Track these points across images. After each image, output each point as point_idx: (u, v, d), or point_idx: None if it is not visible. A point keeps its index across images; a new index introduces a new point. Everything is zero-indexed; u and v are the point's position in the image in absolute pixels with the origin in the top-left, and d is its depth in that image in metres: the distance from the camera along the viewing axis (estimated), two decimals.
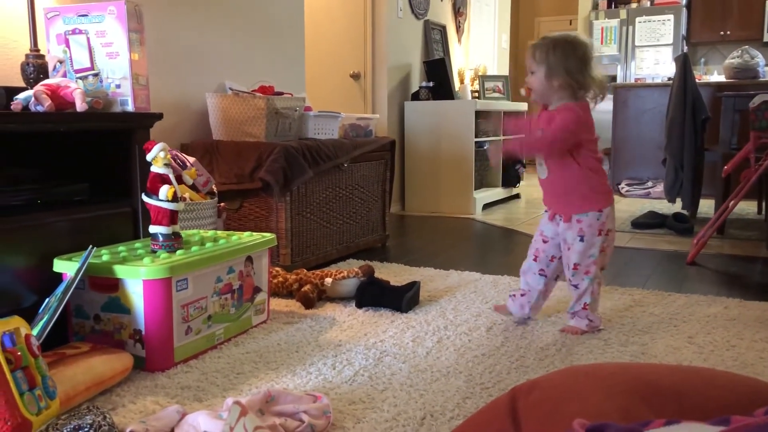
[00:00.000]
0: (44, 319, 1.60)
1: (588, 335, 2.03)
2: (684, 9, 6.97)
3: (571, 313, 2.07)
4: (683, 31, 7.00)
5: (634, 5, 7.16)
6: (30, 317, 1.64)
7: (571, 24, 9.46)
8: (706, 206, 4.62)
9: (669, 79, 6.28)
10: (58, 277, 1.79)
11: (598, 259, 2.03)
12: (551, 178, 2.05)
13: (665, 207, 4.75)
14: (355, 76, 4.92)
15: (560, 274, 2.14)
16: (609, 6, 7.25)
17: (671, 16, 6.92)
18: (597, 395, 0.98)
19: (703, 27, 7.19)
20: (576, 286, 2.06)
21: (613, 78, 7.15)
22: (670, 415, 0.87)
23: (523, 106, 6.74)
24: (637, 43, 7.09)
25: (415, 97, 5.06)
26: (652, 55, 7.07)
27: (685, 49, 7.08)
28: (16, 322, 1.35)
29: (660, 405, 0.93)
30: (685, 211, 4.17)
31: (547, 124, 1.99)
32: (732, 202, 3.20)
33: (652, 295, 2.48)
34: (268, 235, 2.17)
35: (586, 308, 2.04)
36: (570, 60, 1.93)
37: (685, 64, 3.99)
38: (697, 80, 4.17)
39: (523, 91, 2.09)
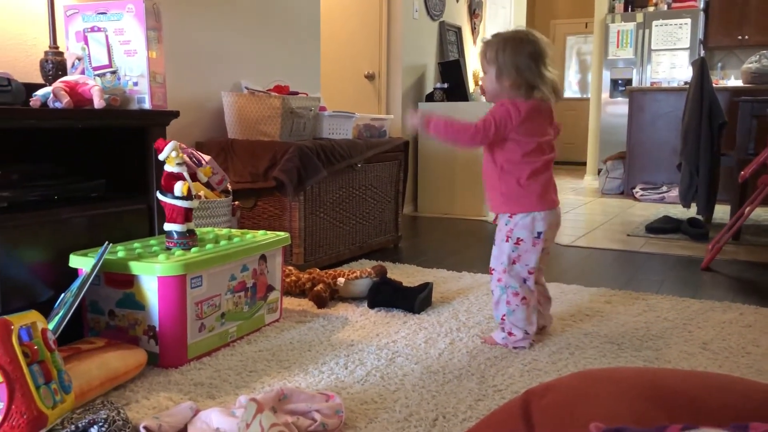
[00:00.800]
0: (60, 314, 1.61)
1: (602, 340, 2.02)
2: (701, 13, 6.92)
3: (498, 323, 1.98)
4: (700, 35, 6.95)
5: (651, 9, 7.12)
6: (46, 312, 1.65)
7: (587, 27, 9.43)
8: (722, 212, 4.58)
9: (685, 83, 6.24)
10: (74, 273, 1.80)
11: (509, 268, 1.91)
12: (482, 172, 2.00)
13: (680, 212, 4.72)
14: (370, 77, 4.92)
15: (537, 280, 2.02)
16: (626, 9, 7.21)
17: (688, 20, 6.88)
18: (611, 399, 0.98)
19: (721, 31, 7.14)
20: (492, 292, 1.98)
21: (629, 82, 7.11)
22: (685, 420, 0.87)
23: None
24: (653, 47, 7.05)
25: (430, 98, 5.05)
26: (669, 59, 7.03)
27: (702, 53, 7.03)
28: (33, 316, 1.36)
29: (675, 410, 0.93)
30: (700, 216, 4.14)
31: None
32: (748, 208, 3.17)
33: (666, 301, 2.46)
34: (282, 234, 2.17)
35: (504, 319, 1.93)
36: (520, 57, 1.84)
37: (702, 69, 3.97)
38: (714, 85, 4.14)
39: (479, 92, 2.05)
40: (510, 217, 1.93)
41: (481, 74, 1.97)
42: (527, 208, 1.90)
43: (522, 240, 1.91)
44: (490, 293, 2.05)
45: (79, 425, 1.28)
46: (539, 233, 1.91)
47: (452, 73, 5.08)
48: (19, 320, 1.30)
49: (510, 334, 1.94)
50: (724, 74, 7.37)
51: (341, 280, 2.40)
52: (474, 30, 6.08)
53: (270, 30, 3.41)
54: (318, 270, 2.54)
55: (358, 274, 2.42)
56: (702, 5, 7.00)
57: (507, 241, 1.93)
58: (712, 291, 2.66)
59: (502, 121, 1.85)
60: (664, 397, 0.96)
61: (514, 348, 1.93)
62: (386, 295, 2.33)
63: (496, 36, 1.93)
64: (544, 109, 1.91)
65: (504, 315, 1.94)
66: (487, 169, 1.96)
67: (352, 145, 3.08)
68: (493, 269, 1.97)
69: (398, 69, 4.87)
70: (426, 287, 2.37)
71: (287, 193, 2.73)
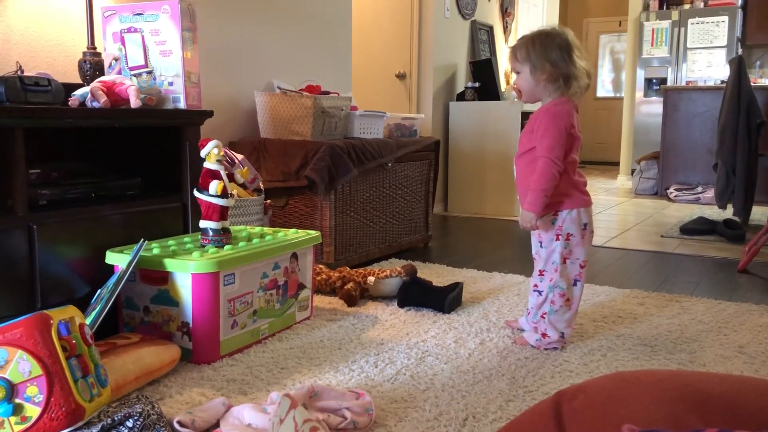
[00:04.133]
0: (97, 310, 1.65)
1: (635, 342, 1.99)
2: (739, 10, 6.78)
3: (530, 322, 1.97)
4: (738, 33, 6.81)
5: (686, 6, 7.00)
6: (83, 307, 1.69)
7: (620, 25, 9.31)
8: (759, 213, 4.49)
9: (722, 82, 6.13)
10: (110, 269, 1.84)
11: (560, 267, 1.91)
12: (517, 179, 1.98)
13: (715, 213, 4.64)
14: (401, 76, 4.92)
15: None
16: (660, 7, 7.09)
17: (726, 18, 6.74)
18: (645, 402, 0.97)
19: (759, 29, 6.98)
20: (540, 292, 1.96)
21: (663, 81, 7.00)
22: (721, 424, 0.85)
23: None
24: (689, 45, 6.93)
25: (461, 97, 5.04)
26: (705, 58, 6.90)
27: (740, 51, 6.89)
28: (71, 311, 1.39)
29: (711, 414, 0.91)
30: (736, 218, 4.06)
31: (530, 124, 1.92)
32: None
33: (701, 303, 2.42)
34: (313, 233, 2.19)
35: (543, 317, 1.93)
36: (551, 51, 1.85)
37: (740, 67, 3.89)
38: (752, 83, 4.05)
39: (514, 95, 2.02)
40: (555, 215, 1.91)
41: (514, 77, 1.96)
42: (577, 204, 1.90)
43: (572, 235, 1.91)
44: (523, 294, 2.03)
45: (115, 418, 1.30)
46: (585, 224, 1.92)
47: (484, 72, 5.06)
48: (58, 315, 1.33)
49: (544, 335, 1.93)
50: (763, 73, 7.21)
51: (371, 279, 2.41)
52: (506, 29, 6.04)
53: (302, 30, 3.43)
54: (348, 269, 2.55)
55: (388, 273, 2.42)
56: (740, 2, 6.85)
57: (557, 239, 1.91)
58: (748, 294, 2.61)
59: (562, 133, 1.84)
60: (699, 401, 0.95)
61: (546, 349, 1.92)
62: (416, 295, 2.33)
63: (522, 38, 1.94)
64: (575, 108, 1.92)
65: (545, 313, 1.93)
66: (526, 175, 1.92)
67: (383, 145, 3.09)
68: (544, 270, 1.94)
69: (429, 68, 4.86)
70: (456, 287, 2.37)
71: (318, 192, 2.75)
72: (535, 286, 1.97)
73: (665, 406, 0.94)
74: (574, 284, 1.94)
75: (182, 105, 2.09)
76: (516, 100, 2.00)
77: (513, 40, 6.16)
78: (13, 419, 1.24)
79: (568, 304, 1.94)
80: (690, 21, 6.93)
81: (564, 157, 1.87)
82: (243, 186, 2.46)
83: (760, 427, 0.82)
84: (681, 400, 0.96)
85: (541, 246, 1.95)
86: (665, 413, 0.93)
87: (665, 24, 7.03)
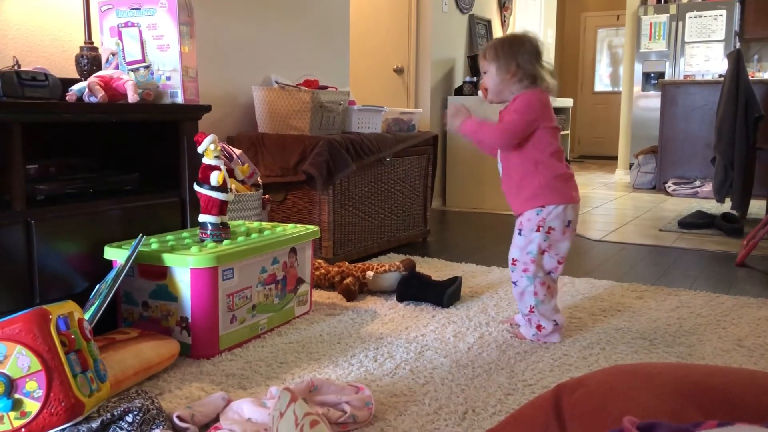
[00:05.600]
0: (96, 305, 1.65)
1: (633, 336, 2.00)
2: (737, 4, 6.77)
3: (523, 317, 1.98)
4: (736, 27, 6.80)
5: (684, 0, 6.99)
6: (82, 302, 1.69)
7: (618, 19, 9.29)
8: (757, 207, 4.50)
9: (720, 76, 6.12)
10: (109, 264, 1.84)
11: (537, 258, 1.92)
12: (504, 175, 2.00)
13: (713, 207, 4.64)
14: (399, 71, 4.92)
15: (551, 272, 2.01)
16: (658, 1, 7.08)
17: (723, 12, 6.73)
18: (645, 395, 0.97)
19: (757, 22, 6.98)
20: (515, 283, 1.97)
21: (661, 75, 7.00)
22: (720, 417, 0.85)
23: (569, 102, 6.65)
24: (686, 39, 6.92)
25: (459, 91, 5.03)
26: (703, 52, 6.89)
27: (738, 45, 6.89)
28: (70, 306, 1.39)
29: (710, 406, 0.91)
30: (734, 212, 4.06)
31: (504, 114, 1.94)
32: None
33: (700, 297, 2.43)
34: (312, 227, 2.19)
35: (532, 311, 1.93)
36: (521, 54, 1.91)
37: (738, 61, 3.89)
38: (750, 77, 4.05)
39: (480, 93, 2.04)
40: (542, 207, 1.91)
41: (482, 76, 1.99)
42: (565, 199, 1.91)
43: (553, 229, 1.91)
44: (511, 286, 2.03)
45: (115, 413, 1.30)
46: (569, 222, 1.93)
47: None
48: (57, 310, 1.33)
49: (539, 328, 1.93)
50: (761, 67, 7.21)
51: (370, 274, 2.41)
52: (504, 23, 6.03)
53: (300, 24, 3.42)
54: (347, 263, 2.55)
55: (387, 267, 2.42)
56: None
57: (538, 230, 1.91)
58: (746, 287, 2.61)
59: (528, 111, 1.87)
60: (699, 393, 0.95)
61: (545, 342, 1.93)
62: (415, 289, 2.33)
63: (493, 40, 2.01)
64: (547, 94, 1.95)
65: (532, 306, 1.93)
66: (515, 169, 1.95)
67: (381, 139, 3.08)
68: (516, 260, 1.96)
69: (427, 63, 4.86)
70: (455, 281, 2.37)
71: (317, 187, 2.74)
72: (511, 277, 1.99)
73: (664, 399, 0.95)
74: (549, 273, 1.96)
75: (180, 100, 2.08)
76: (482, 99, 2.02)
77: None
78: (12, 414, 1.24)
79: (551, 292, 1.96)
80: (688, 15, 6.92)
81: (545, 147, 1.90)
82: (242, 182, 2.46)
83: (759, 419, 0.83)
84: (680, 393, 0.96)
85: (519, 233, 1.95)
86: (665, 406, 0.93)
87: (663, 18, 7.03)
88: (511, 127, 1.89)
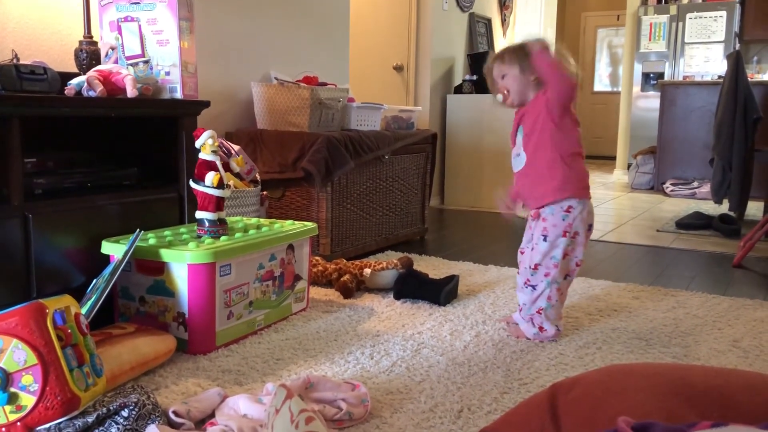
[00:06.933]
0: (92, 299, 1.65)
1: (630, 336, 2.00)
2: (737, 5, 6.77)
3: (525, 317, 1.97)
4: (736, 28, 6.80)
5: (685, 1, 6.99)
6: (79, 297, 1.68)
7: (618, 19, 9.29)
8: (755, 208, 4.50)
9: (719, 77, 6.13)
10: (106, 259, 1.83)
11: (561, 263, 1.92)
12: (527, 165, 1.96)
13: (711, 208, 4.65)
14: (399, 68, 4.91)
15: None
16: (659, 2, 7.08)
17: (724, 13, 6.73)
18: (640, 395, 0.97)
19: (757, 24, 6.98)
20: (533, 287, 1.95)
21: (661, 75, 7.00)
22: (715, 417, 0.86)
23: None
24: (686, 40, 6.92)
25: (458, 90, 5.03)
26: (702, 53, 6.90)
27: (738, 46, 6.89)
28: (66, 300, 1.38)
29: (705, 407, 0.92)
30: (732, 213, 4.07)
31: (530, 117, 1.92)
32: None
33: (696, 297, 2.43)
34: (310, 224, 2.19)
35: (540, 312, 1.94)
36: None
37: (737, 62, 3.89)
38: (749, 79, 4.05)
39: (500, 97, 2.01)
40: (567, 212, 1.90)
41: (498, 82, 1.97)
42: (587, 194, 1.93)
43: (578, 234, 1.92)
44: (517, 288, 2.03)
45: (111, 408, 1.30)
46: (590, 226, 1.95)
47: (481, 65, 5.03)
48: (54, 304, 1.33)
49: (541, 329, 1.94)
50: (760, 68, 7.22)
51: (367, 271, 2.41)
52: (504, 22, 6.03)
53: (300, 21, 3.42)
54: (344, 261, 2.55)
55: (384, 265, 2.42)
56: None
57: (564, 236, 1.91)
58: (743, 288, 2.62)
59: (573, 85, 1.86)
60: (694, 394, 0.95)
61: (541, 341, 1.94)
62: (412, 287, 2.33)
63: (504, 47, 2.00)
64: None
65: (542, 308, 1.94)
66: (539, 160, 1.92)
67: (380, 137, 3.08)
68: (539, 265, 1.93)
69: (427, 61, 4.85)
70: (452, 279, 2.37)
71: (315, 184, 2.74)
72: (527, 281, 1.97)
73: (660, 399, 0.95)
74: (566, 277, 1.96)
75: (179, 95, 2.08)
76: (501, 102, 1.99)
77: (511, 33, 6.15)
78: (8, 408, 1.24)
79: (562, 298, 1.97)
80: (688, 16, 6.92)
81: (574, 143, 1.91)
82: (237, 175, 2.46)
83: (754, 420, 0.83)
84: (675, 393, 0.96)
85: (544, 240, 1.93)
86: (660, 406, 0.93)
87: (663, 18, 7.03)
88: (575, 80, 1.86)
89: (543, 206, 1.93)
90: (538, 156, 1.92)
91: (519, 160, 1.98)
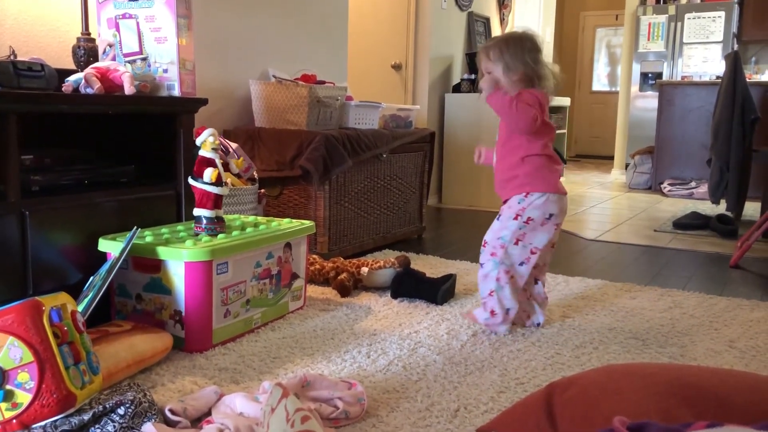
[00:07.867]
0: (89, 297, 1.64)
1: (626, 335, 2.00)
2: (736, 6, 6.77)
3: (482, 299, 2.01)
4: (734, 29, 6.81)
5: (683, 1, 6.99)
6: (76, 294, 1.68)
7: (617, 19, 9.30)
8: (752, 209, 4.51)
9: (717, 77, 6.13)
10: (103, 257, 1.83)
11: (508, 245, 1.94)
12: (497, 162, 2.02)
13: (708, 208, 4.65)
14: (397, 67, 4.91)
15: (538, 276, 2.07)
16: (657, 2, 7.08)
17: (722, 13, 6.73)
18: (636, 394, 0.97)
19: (755, 25, 6.98)
20: (481, 265, 2.00)
21: (659, 75, 7.00)
22: (711, 417, 0.86)
23: (566, 101, 6.65)
24: (685, 40, 6.92)
25: (457, 89, 5.03)
26: (701, 53, 6.90)
27: (736, 47, 6.89)
28: (63, 298, 1.38)
29: (701, 407, 0.92)
30: (729, 213, 4.08)
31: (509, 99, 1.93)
32: None
33: (693, 297, 2.43)
34: (307, 223, 2.18)
35: (492, 295, 1.96)
36: (525, 53, 1.92)
37: (735, 63, 3.89)
38: (747, 79, 4.06)
39: (483, 96, 2.02)
40: (525, 196, 1.94)
41: (483, 75, 1.99)
42: (547, 188, 1.94)
43: (532, 219, 1.94)
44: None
45: (107, 406, 1.30)
46: (551, 215, 1.95)
47: None
48: (50, 301, 1.33)
49: (492, 313, 1.97)
50: (758, 69, 7.22)
51: (365, 270, 2.41)
52: (503, 21, 6.03)
53: (298, 19, 3.41)
54: (342, 259, 2.55)
55: (382, 264, 2.42)
56: None
57: (516, 219, 1.95)
58: (740, 288, 2.62)
59: (536, 105, 1.89)
60: (690, 394, 0.95)
61: (493, 332, 1.98)
62: (409, 286, 2.33)
63: (493, 38, 2.01)
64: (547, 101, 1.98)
65: (492, 290, 1.97)
66: (508, 157, 1.98)
67: (378, 135, 3.08)
68: (487, 242, 1.99)
69: (425, 59, 4.85)
70: (449, 278, 2.37)
71: (313, 182, 2.74)
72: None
73: (656, 399, 0.95)
74: (520, 264, 1.98)
75: (177, 92, 2.08)
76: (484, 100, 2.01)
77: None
78: (3, 405, 1.24)
79: (513, 281, 1.98)
80: (686, 16, 6.92)
81: (538, 140, 1.93)
82: (237, 175, 2.45)
83: (749, 421, 0.83)
84: (672, 393, 0.96)
85: (497, 219, 1.99)
86: (656, 406, 0.93)
87: (662, 18, 7.03)
88: (536, 114, 1.88)
89: (508, 199, 1.99)
90: (505, 151, 1.99)
91: (496, 155, 2.05)
